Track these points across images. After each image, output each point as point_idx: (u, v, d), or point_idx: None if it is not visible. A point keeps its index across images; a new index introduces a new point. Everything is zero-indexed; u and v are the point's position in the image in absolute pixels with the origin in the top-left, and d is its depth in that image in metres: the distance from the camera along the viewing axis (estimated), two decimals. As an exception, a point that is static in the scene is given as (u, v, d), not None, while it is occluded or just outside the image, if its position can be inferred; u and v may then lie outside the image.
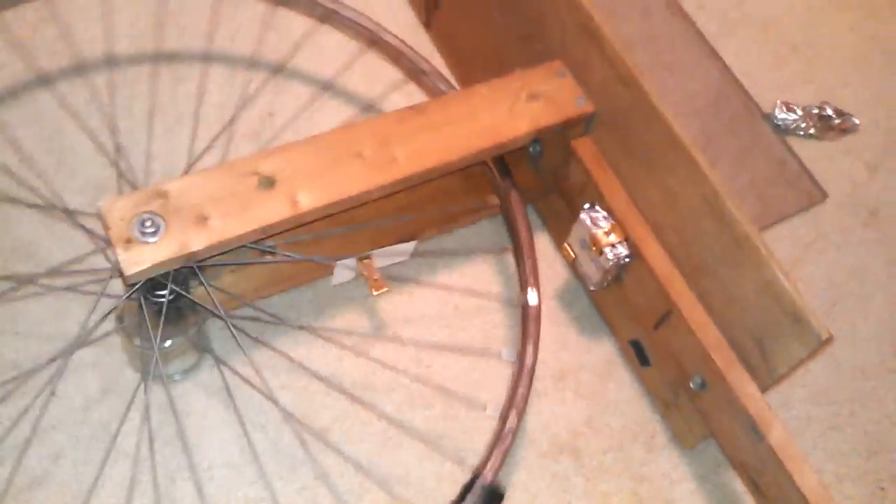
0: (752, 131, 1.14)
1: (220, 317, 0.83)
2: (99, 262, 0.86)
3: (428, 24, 1.16)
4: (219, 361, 0.86)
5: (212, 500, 0.85)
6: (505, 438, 0.83)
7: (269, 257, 0.87)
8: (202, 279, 0.80)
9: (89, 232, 0.84)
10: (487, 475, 0.81)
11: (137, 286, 0.77)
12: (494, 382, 0.95)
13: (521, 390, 0.85)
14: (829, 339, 0.74)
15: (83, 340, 0.80)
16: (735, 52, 1.23)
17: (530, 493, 0.91)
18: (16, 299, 0.90)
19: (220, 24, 1.10)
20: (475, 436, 0.91)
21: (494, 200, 0.95)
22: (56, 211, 0.89)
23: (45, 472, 0.84)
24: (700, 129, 1.13)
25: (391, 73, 1.11)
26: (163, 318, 0.78)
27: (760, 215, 1.06)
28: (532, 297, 0.89)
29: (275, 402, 0.88)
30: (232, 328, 0.83)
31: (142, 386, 0.86)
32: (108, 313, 0.82)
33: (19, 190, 0.93)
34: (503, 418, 0.84)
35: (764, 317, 0.77)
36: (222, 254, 0.76)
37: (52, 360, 0.83)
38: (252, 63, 1.09)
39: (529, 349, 0.86)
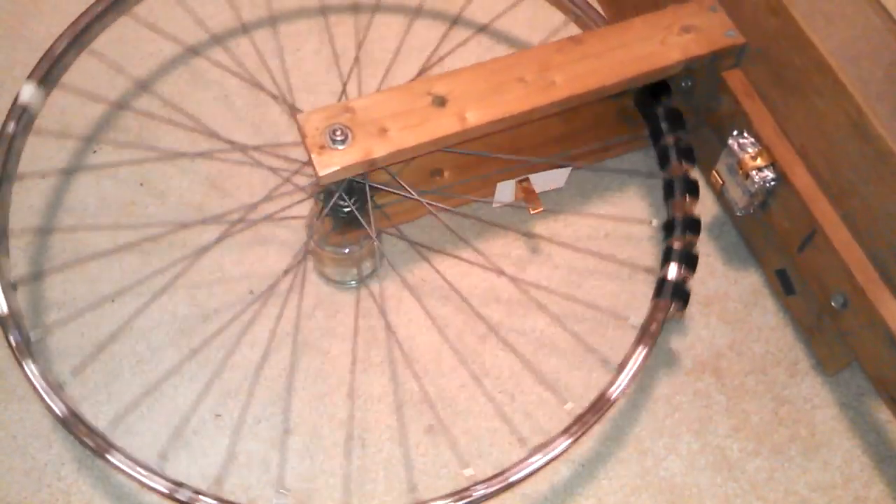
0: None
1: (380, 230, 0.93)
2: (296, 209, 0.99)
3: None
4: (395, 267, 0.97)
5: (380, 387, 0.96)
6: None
7: (437, 178, 0.97)
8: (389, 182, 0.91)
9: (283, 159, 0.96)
10: None
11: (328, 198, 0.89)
12: (639, 302, 1.02)
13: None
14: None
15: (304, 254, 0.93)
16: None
17: (672, 405, 0.97)
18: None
19: None
20: (620, 349, 0.98)
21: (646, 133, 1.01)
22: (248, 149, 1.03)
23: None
24: (857, 76, 1.13)
25: (553, 18, 1.18)
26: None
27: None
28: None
29: (462, 296, 0.98)
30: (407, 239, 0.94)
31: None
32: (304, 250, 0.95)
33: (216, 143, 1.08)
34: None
35: (907, 232, 0.80)
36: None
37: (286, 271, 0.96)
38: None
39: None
